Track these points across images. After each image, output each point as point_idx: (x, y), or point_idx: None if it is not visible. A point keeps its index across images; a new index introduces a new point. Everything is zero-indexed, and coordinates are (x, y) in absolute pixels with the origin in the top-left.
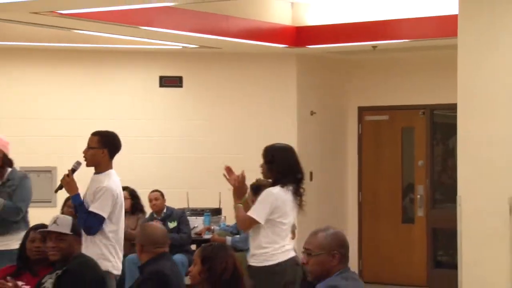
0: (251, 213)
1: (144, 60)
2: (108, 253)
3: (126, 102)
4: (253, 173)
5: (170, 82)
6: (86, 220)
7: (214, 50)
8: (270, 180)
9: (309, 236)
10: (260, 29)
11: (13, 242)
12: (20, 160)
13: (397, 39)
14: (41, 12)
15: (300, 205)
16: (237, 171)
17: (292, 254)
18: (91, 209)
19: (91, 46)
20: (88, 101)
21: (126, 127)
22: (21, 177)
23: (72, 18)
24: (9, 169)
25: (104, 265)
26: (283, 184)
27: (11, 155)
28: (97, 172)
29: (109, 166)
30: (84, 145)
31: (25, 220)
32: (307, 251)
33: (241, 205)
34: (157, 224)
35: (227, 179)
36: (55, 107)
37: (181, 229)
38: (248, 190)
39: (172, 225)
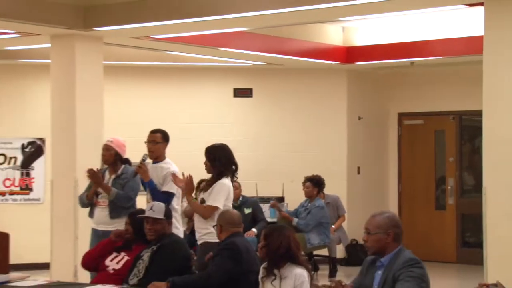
0: (214, 202)
1: (221, 75)
2: (176, 222)
3: (206, 109)
4: (315, 167)
5: (242, 93)
6: (164, 198)
7: (279, 66)
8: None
9: (369, 218)
10: (316, 49)
11: (121, 224)
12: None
13: (432, 56)
14: (138, 37)
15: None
16: (300, 166)
17: None
18: (165, 189)
19: (178, 64)
20: (177, 109)
21: (205, 130)
22: (132, 172)
23: (163, 41)
24: (123, 166)
25: (176, 232)
26: (227, 176)
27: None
28: (158, 161)
29: (165, 157)
30: (175, 145)
31: (133, 207)
32: (366, 231)
33: (195, 199)
34: (233, 210)
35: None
36: (151, 114)
37: (258, 216)
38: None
39: (247, 211)
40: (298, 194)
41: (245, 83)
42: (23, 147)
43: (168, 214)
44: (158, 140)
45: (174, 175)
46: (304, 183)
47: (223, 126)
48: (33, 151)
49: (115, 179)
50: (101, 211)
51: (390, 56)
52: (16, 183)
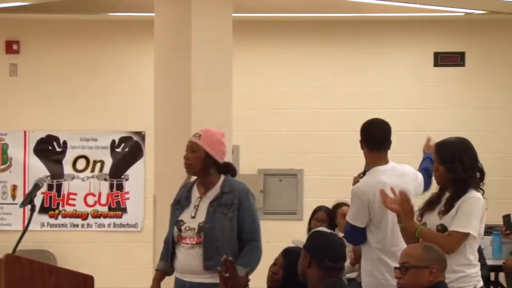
0: (464, 227)
1: (415, 33)
2: (374, 269)
3: (390, 87)
4: None
5: (448, 59)
6: (345, 229)
7: (506, 16)
8: None
9: None
10: None
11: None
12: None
13: None
14: None
15: None
16: None
17: None
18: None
19: (351, 15)
20: (339, 87)
21: (391, 120)
22: (244, 191)
23: None
24: (222, 178)
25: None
26: (475, 187)
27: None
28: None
29: (375, 162)
30: (337, 141)
31: None
32: None
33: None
34: None
35: (384, 204)
36: (297, 94)
37: None
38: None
39: None
40: None
41: (453, 45)
42: (113, 145)
43: None
44: None
45: (381, 192)
46: None
47: (418, 113)
48: (128, 151)
49: (214, 203)
50: (189, 253)
51: None
52: (103, 201)
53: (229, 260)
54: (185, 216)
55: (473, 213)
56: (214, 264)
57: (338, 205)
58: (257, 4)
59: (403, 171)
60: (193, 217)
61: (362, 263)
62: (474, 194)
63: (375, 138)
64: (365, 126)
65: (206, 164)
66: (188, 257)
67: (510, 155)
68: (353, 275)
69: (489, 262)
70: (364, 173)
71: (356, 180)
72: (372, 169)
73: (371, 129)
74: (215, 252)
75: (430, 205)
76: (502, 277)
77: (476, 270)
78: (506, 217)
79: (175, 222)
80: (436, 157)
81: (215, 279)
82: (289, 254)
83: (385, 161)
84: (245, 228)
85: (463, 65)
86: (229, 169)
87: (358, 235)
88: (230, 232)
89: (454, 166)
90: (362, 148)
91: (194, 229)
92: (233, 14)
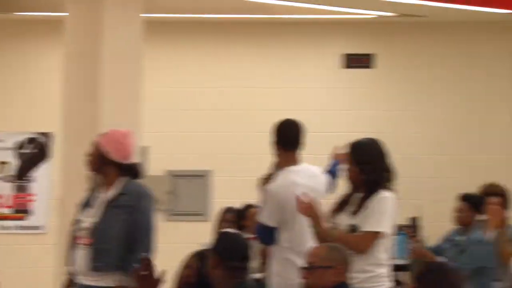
0: (375, 227)
1: (325, 35)
2: (282, 269)
3: (299, 88)
4: (473, 179)
5: (357, 61)
6: (257, 229)
7: (417, 19)
8: None
9: None
10: None
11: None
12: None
13: None
14: None
15: None
16: (447, 177)
17: None
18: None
19: (258, 17)
20: (250, 87)
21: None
22: (144, 194)
23: None
24: (123, 180)
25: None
26: (386, 187)
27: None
28: (278, 172)
29: (288, 162)
30: (247, 141)
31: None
32: None
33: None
34: None
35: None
36: (207, 95)
37: None
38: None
39: None
40: (441, 220)
41: (362, 47)
42: (20, 146)
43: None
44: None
45: (297, 198)
46: (459, 203)
47: (325, 114)
48: (35, 153)
49: (110, 204)
50: (82, 253)
51: None
52: (7, 203)
53: (147, 258)
54: (83, 215)
55: (385, 212)
56: (103, 266)
57: (249, 207)
58: (171, 5)
59: (314, 172)
60: (89, 217)
61: (270, 264)
62: (385, 193)
63: (289, 138)
64: (279, 126)
65: (101, 163)
66: (81, 258)
67: (417, 156)
68: (259, 275)
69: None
70: (270, 175)
71: (263, 182)
72: (285, 169)
73: (285, 129)
74: (104, 253)
75: (341, 205)
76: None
77: (386, 269)
78: (413, 220)
79: (75, 221)
80: (350, 158)
81: (104, 282)
82: (202, 257)
83: (297, 161)
84: (138, 231)
85: (372, 67)
86: (132, 170)
87: (270, 235)
88: (122, 234)
89: (368, 167)
90: (275, 148)
91: (87, 229)
92: (145, 15)
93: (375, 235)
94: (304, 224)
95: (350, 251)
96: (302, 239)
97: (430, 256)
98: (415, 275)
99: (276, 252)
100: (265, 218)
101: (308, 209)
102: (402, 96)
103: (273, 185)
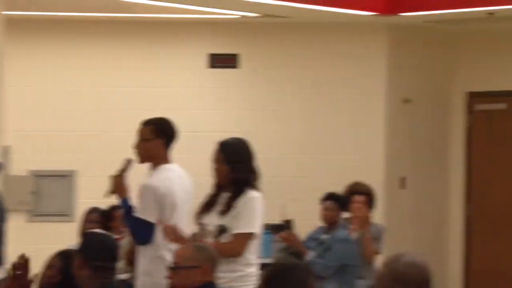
0: (248, 227)
1: (190, 34)
2: (153, 268)
3: (164, 88)
4: (334, 178)
5: (222, 61)
6: (132, 228)
7: (280, 20)
8: None
9: None
10: None
11: None
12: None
13: None
14: None
15: None
16: (310, 176)
17: None
18: (136, 214)
19: (124, 16)
20: (115, 87)
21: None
22: None
23: None
24: None
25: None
26: (254, 186)
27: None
28: (154, 168)
29: (166, 160)
30: (113, 141)
31: None
32: None
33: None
34: None
35: None
36: (72, 94)
37: None
38: None
39: None
40: (305, 219)
41: (227, 47)
42: None
43: None
44: (146, 136)
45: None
46: (323, 201)
47: (191, 114)
48: None
49: None
50: None
51: (455, 4)
52: None
53: (24, 258)
54: None
55: (255, 213)
56: None
57: (115, 207)
58: (32, 2)
59: (182, 172)
60: None
61: (139, 264)
62: (254, 193)
63: (172, 135)
64: (164, 122)
65: None
66: None
67: (280, 156)
68: (125, 276)
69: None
70: (123, 170)
71: (117, 181)
72: (161, 166)
73: (170, 127)
74: None
75: (207, 206)
76: None
77: (255, 269)
78: (287, 222)
79: None
80: (220, 157)
81: None
82: (66, 257)
83: (170, 160)
84: None
85: (237, 67)
86: None
87: (149, 231)
88: None
89: (238, 166)
90: (154, 143)
91: None
92: (5, 12)
93: (248, 237)
94: (180, 221)
95: (227, 257)
96: None
97: (304, 251)
98: (263, 276)
99: (150, 251)
100: (146, 214)
101: (172, 234)
102: (265, 96)
103: (152, 181)
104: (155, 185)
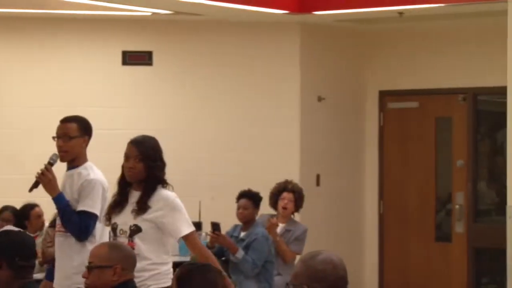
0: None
1: (103, 31)
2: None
3: (77, 85)
4: (248, 176)
5: (136, 58)
6: (80, 223)
7: (193, 17)
8: None
9: None
10: None
11: None
12: None
13: (431, 3)
14: None
15: None
16: (225, 174)
17: None
18: (81, 208)
19: (34, 12)
20: (27, 83)
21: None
22: None
23: None
24: None
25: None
26: (167, 185)
27: None
28: (74, 166)
29: (86, 158)
30: (26, 140)
31: None
32: None
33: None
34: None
35: None
36: None
37: None
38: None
39: None
40: (221, 217)
41: (141, 44)
42: None
43: None
44: (73, 134)
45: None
46: (238, 199)
47: (104, 111)
48: None
49: None
50: None
51: (366, 3)
52: None
53: None
54: None
55: (182, 212)
56: None
57: (31, 206)
58: None
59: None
60: None
61: (77, 261)
62: (168, 192)
63: (91, 133)
64: (85, 120)
65: None
66: None
67: (193, 153)
68: (40, 275)
69: (175, 258)
70: (52, 164)
71: (47, 176)
72: (84, 164)
73: (90, 124)
74: None
75: (117, 205)
76: None
77: (169, 267)
78: (215, 225)
79: None
80: (135, 154)
81: None
82: None
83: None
84: None
85: (150, 64)
86: None
87: (94, 225)
88: None
89: (154, 164)
90: (79, 140)
91: None
92: None
93: (193, 234)
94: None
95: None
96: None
97: (235, 250)
98: (175, 276)
99: (85, 246)
100: (94, 207)
101: None
102: (177, 93)
103: (95, 175)
104: (102, 180)
